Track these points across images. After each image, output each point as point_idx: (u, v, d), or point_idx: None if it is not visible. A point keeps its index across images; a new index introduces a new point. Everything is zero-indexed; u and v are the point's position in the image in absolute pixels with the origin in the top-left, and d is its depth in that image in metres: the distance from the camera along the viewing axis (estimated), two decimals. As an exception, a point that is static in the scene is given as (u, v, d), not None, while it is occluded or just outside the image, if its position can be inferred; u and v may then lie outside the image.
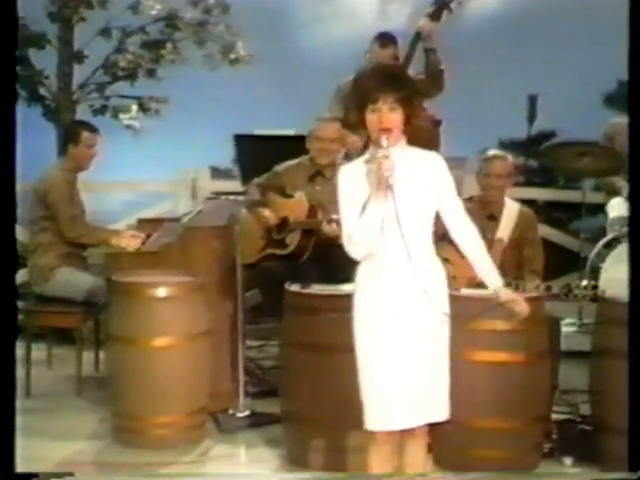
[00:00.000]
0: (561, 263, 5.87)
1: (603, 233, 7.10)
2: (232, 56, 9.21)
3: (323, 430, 4.65)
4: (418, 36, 6.20)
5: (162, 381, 5.07)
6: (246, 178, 6.44)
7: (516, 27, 9.01)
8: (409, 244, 3.63)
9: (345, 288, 4.52)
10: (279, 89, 8.83)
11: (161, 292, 5.09)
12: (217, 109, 8.63)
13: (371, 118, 3.62)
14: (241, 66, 9.10)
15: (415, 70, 6.25)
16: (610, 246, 6.55)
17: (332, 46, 9.52)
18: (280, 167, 6.14)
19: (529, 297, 4.80)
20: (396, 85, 3.62)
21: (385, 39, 6.51)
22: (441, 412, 3.74)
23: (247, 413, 5.48)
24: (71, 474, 4.08)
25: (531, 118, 10.49)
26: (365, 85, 3.66)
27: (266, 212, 6.05)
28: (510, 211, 5.76)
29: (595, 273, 6.24)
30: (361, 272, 3.74)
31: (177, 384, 5.11)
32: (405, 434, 3.76)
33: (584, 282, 5.08)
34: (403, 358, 3.64)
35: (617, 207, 7.05)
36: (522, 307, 3.87)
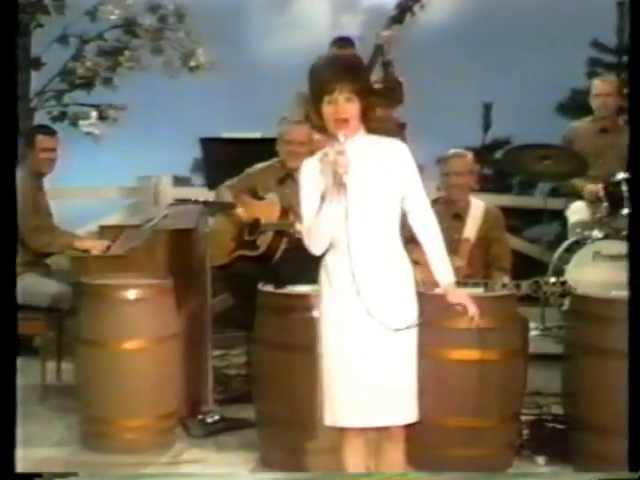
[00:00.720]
0: (520, 270, 5.86)
1: (560, 239, 7.14)
2: (192, 63, 9.13)
3: (299, 432, 4.59)
4: (379, 48, 6.20)
5: (132, 384, 4.99)
6: (212, 182, 6.39)
7: (470, 36, 9.04)
8: (355, 246, 3.55)
9: (313, 288, 4.46)
10: (238, 96, 8.80)
11: (131, 294, 5.01)
12: (177, 116, 8.56)
13: (327, 109, 3.55)
14: (201, 73, 9.02)
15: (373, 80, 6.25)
16: (571, 250, 6.59)
17: (288, 54, 9.54)
18: (251, 169, 6.13)
19: (501, 295, 4.84)
20: (352, 75, 3.56)
21: (343, 42, 6.55)
22: (407, 414, 3.65)
23: (217, 418, 5.39)
24: (75, 474, 4.08)
25: (486, 126, 10.54)
26: (321, 76, 3.58)
27: (238, 213, 6.02)
28: (476, 210, 5.78)
29: (558, 276, 6.24)
30: (322, 268, 3.71)
31: (147, 387, 5.03)
32: (382, 435, 3.71)
33: (552, 279, 5.08)
34: (364, 357, 3.58)
35: (578, 211, 7.12)
36: (471, 308, 3.72)
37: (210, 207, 5.62)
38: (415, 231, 3.68)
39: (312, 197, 3.60)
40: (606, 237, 6.50)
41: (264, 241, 5.89)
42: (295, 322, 4.57)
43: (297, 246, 5.69)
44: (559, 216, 7.42)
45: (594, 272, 6.28)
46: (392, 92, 6.15)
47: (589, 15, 9.73)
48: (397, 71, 6.20)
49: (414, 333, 3.65)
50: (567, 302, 5.94)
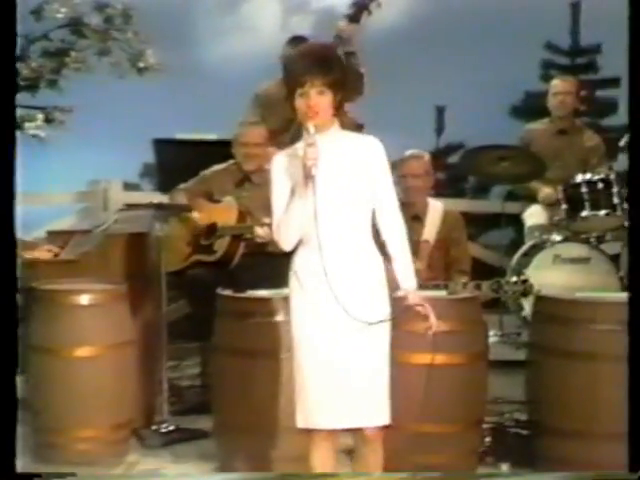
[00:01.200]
0: (478, 277, 5.88)
1: (516, 244, 7.14)
2: (141, 64, 9.03)
3: (261, 439, 4.55)
4: (338, 39, 6.17)
5: (85, 393, 4.91)
6: (166, 185, 6.32)
7: (422, 40, 9.08)
8: (325, 242, 3.51)
9: (280, 292, 4.42)
10: (189, 98, 8.75)
11: (84, 299, 4.94)
12: (126, 119, 8.48)
13: (299, 102, 3.51)
14: (150, 75, 8.93)
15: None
16: (529, 254, 6.59)
17: (239, 56, 9.55)
18: (207, 172, 6.07)
19: (464, 297, 4.83)
20: (325, 67, 3.51)
21: (298, 42, 6.50)
22: (381, 416, 3.63)
23: (172, 428, 5.32)
24: (73, 474, 4.08)
25: (439, 130, 10.58)
26: (293, 68, 3.55)
27: (193, 217, 5.97)
28: (434, 212, 5.79)
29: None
30: (291, 267, 3.67)
31: (100, 396, 4.95)
32: (358, 440, 3.68)
33: (513, 278, 5.09)
34: (335, 358, 3.55)
35: (535, 214, 7.14)
36: (432, 318, 3.67)
37: (164, 211, 5.56)
38: (381, 231, 3.65)
39: (282, 192, 3.56)
40: (565, 240, 6.53)
41: (221, 246, 5.83)
42: (256, 327, 4.53)
43: (256, 251, 5.68)
44: (515, 221, 7.43)
45: (554, 275, 6.31)
46: (353, 84, 6.11)
47: (542, 17, 9.81)
48: (359, 62, 6.17)
49: (387, 333, 3.63)
50: (527, 305, 5.99)
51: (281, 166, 3.61)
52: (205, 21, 10.06)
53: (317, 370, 3.56)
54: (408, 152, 5.87)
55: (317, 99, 3.49)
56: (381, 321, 3.56)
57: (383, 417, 3.62)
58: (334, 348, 3.55)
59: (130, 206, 5.91)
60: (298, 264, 3.64)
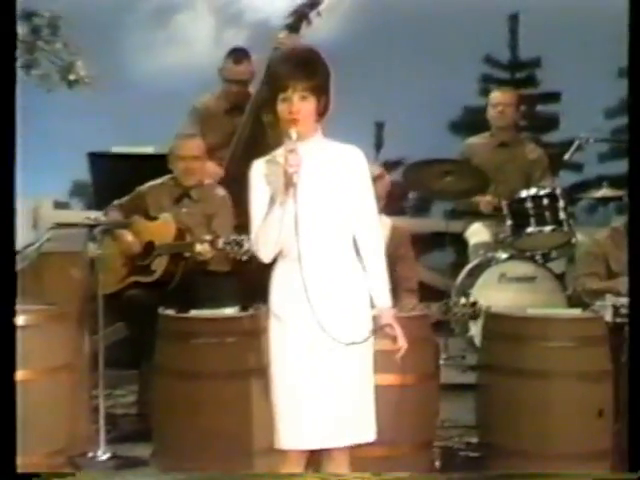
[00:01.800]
0: (420, 299, 5.89)
1: (459, 264, 7.13)
2: (71, 77, 8.91)
3: (208, 463, 4.48)
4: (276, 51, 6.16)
5: (19, 418, 4.77)
6: (100, 200, 6.22)
7: (361, 54, 9.11)
8: (306, 254, 3.47)
9: (225, 312, 4.39)
10: (120, 112, 8.67)
11: (19, 320, 4.81)
12: (56, 134, 8.36)
13: (281, 108, 3.49)
14: (81, 88, 8.82)
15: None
16: (473, 274, 6.56)
17: (171, 70, 9.46)
18: (143, 187, 5.97)
19: (415, 315, 4.83)
20: (308, 72, 3.50)
21: (238, 54, 6.51)
22: (366, 434, 3.60)
23: (108, 456, 5.24)
24: (72, 474, 4.12)
25: (378, 146, 10.61)
26: (275, 72, 3.53)
27: (128, 236, 5.83)
28: (382, 227, 5.73)
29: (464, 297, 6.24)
30: (272, 279, 3.61)
31: (35, 422, 4.83)
32: (323, 458, 3.64)
33: (462, 300, 5.09)
34: (317, 377, 3.52)
35: (478, 232, 7.07)
36: (401, 340, 3.63)
37: (98, 229, 5.47)
38: (359, 245, 3.62)
39: (261, 200, 3.51)
40: (511, 258, 6.52)
41: (159, 265, 5.74)
42: (202, 348, 4.49)
43: (197, 270, 5.61)
44: (456, 240, 7.40)
45: (500, 295, 6.28)
46: None
47: (480, 30, 9.87)
48: None
49: (370, 348, 3.59)
50: (473, 327, 5.99)
51: (259, 173, 3.56)
52: (137, 33, 10.03)
53: (299, 389, 3.51)
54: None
55: (300, 105, 3.47)
56: (354, 343, 3.51)
57: (370, 434, 3.61)
58: (315, 367, 3.51)
59: (62, 225, 5.83)
60: (277, 277, 3.59)
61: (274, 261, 3.60)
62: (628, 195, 6.02)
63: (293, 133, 3.45)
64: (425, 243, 8.27)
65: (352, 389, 3.54)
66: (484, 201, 6.87)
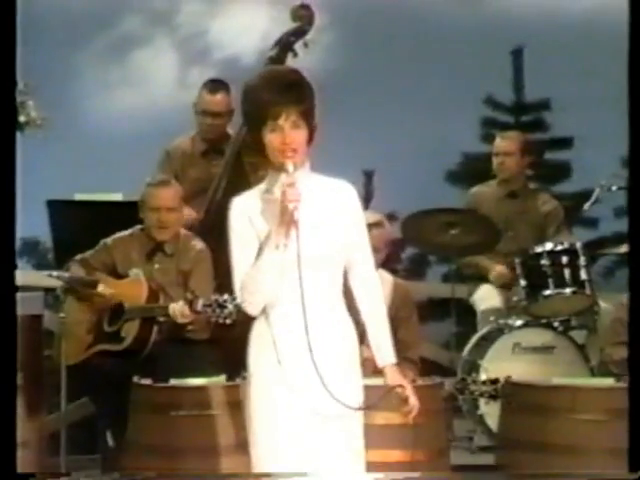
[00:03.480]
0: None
1: (464, 334, 7.10)
2: (22, 118, 8.93)
3: None
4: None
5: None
6: (61, 254, 6.22)
7: (348, 92, 9.18)
8: (309, 298, 3.48)
9: (209, 380, 4.41)
10: (73, 158, 8.71)
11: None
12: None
13: (272, 138, 3.50)
14: (32, 130, 8.85)
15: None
16: (484, 343, 6.53)
17: (127, 112, 9.51)
18: (109, 240, 5.95)
19: (427, 385, 4.86)
20: (298, 95, 3.52)
21: (215, 84, 6.59)
22: None
23: None
24: (68, 474, 4.28)
25: (367, 197, 10.65)
26: (260, 98, 3.52)
27: (93, 298, 5.81)
28: (384, 285, 5.72)
29: (470, 372, 6.23)
30: (253, 337, 3.60)
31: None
32: None
33: (482, 376, 5.09)
34: (310, 448, 3.52)
35: (487, 297, 6.94)
36: (412, 399, 3.64)
37: (58, 289, 5.49)
38: (355, 294, 3.63)
39: (247, 243, 3.52)
40: (526, 325, 6.50)
41: (129, 331, 5.71)
42: (183, 421, 4.49)
43: (173, 336, 5.60)
44: (460, 306, 7.32)
45: (515, 367, 6.12)
46: None
47: (480, 67, 9.97)
48: None
49: (361, 419, 3.60)
50: (483, 405, 5.95)
51: (243, 212, 3.56)
52: (90, 71, 10.05)
53: (283, 460, 3.51)
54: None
55: (293, 134, 3.50)
56: (366, 408, 3.55)
57: None
58: (302, 440, 3.51)
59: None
60: (261, 332, 3.57)
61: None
62: (628, 196, 6.01)
63: (290, 165, 3.47)
64: (421, 310, 8.25)
65: (347, 466, 3.55)
66: (496, 273, 6.87)
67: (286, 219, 3.43)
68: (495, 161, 7.14)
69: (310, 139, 3.56)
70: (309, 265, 3.49)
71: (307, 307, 3.48)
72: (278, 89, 3.51)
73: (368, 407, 3.57)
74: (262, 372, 3.56)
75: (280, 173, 3.51)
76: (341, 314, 3.61)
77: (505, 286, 6.88)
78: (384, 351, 3.63)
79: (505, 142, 7.23)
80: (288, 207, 3.42)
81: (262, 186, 3.60)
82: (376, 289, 3.68)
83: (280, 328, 3.53)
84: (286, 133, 3.49)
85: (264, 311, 3.55)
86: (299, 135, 3.51)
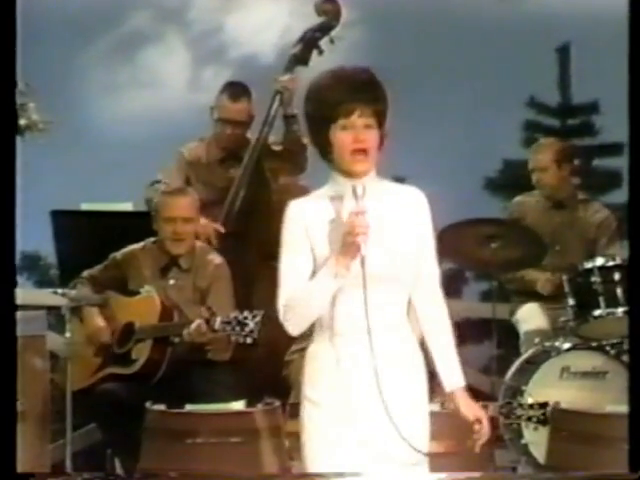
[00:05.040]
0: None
1: (501, 358, 7.09)
2: (22, 121, 8.97)
3: None
4: (279, 96, 6.27)
5: None
6: (66, 270, 6.25)
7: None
8: (375, 321, 3.49)
9: (231, 406, 4.43)
10: (78, 164, 8.76)
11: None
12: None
13: (341, 137, 3.51)
14: (34, 134, 8.89)
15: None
16: (528, 368, 6.47)
17: (137, 115, 9.55)
18: (119, 254, 5.99)
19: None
20: (373, 94, 3.54)
21: (236, 90, 6.56)
22: None
23: None
24: (68, 474, 4.35)
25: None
26: (331, 95, 3.55)
27: (98, 320, 5.84)
28: None
29: (514, 397, 6.21)
30: (311, 358, 3.61)
31: None
32: None
33: (529, 399, 5.07)
34: None
35: (531, 317, 6.89)
36: (485, 426, 3.68)
37: (64, 308, 5.52)
38: (418, 311, 3.63)
39: (300, 255, 3.53)
40: (575, 348, 6.47)
41: (141, 353, 5.76)
42: (200, 449, 4.51)
43: (189, 358, 5.62)
44: (501, 326, 7.29)
45: (563, 394, 6.07)
46: (294, 156, 6.13)
47: (523, 66, 9.95)
48: (302, 130, 6.22)
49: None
50: (528, 433, 5.93)
51: (298, 218, 3.57)
52: (96, 71, 10.07)
53: None
54: None
55: (365, 133, 3.50)
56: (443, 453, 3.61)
57: None
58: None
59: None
60: (319, 356, 3.58)
61: (288, 340, 3.64)
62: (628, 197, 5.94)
63: (359, 187, 3.47)
64: (458, 332, 8.23)
65: None
66: (542, 279, 6.84)
67: (350, 249, 3.44)
68: (533, 178, 7.12)
69: (381, 144, 3.58)
70: (375, 285, 3.50)
71: (373, 331, 3.48)
72: (352, 87, 3.55)
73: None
74: (323, 398, 3.56)
75: (347, 179, 3.52)
76: (407, 336, 3.62)
77: (554, 296, 6.82)
78: (453, 374, 3.65)
79: (538, 156, 7.18)
80: (354, 238, 3.43)
81: (323, 191, 3.62)
82: (442, 305, 3.69)
83: (344, 352, 3.53)
84: (359, 131, 3.50)
85: (324, 331, 3.57)
86: (372, 136, 3.53)
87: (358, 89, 3.53)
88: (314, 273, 3.51)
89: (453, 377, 3.65)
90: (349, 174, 3.52)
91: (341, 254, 3.45)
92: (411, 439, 3.49)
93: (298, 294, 3.50)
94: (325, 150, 3.57)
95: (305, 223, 3.55)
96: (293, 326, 3.54)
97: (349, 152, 3.51)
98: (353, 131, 3.50)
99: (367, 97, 3.52)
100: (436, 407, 4.92)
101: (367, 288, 3.46)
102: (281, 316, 3.55)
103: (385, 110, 3.58)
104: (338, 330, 3.54)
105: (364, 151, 3.51)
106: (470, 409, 3.67)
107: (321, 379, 3.57)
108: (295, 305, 3.51)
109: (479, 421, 3.66)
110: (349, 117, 3.50)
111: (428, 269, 3.65)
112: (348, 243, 3.44)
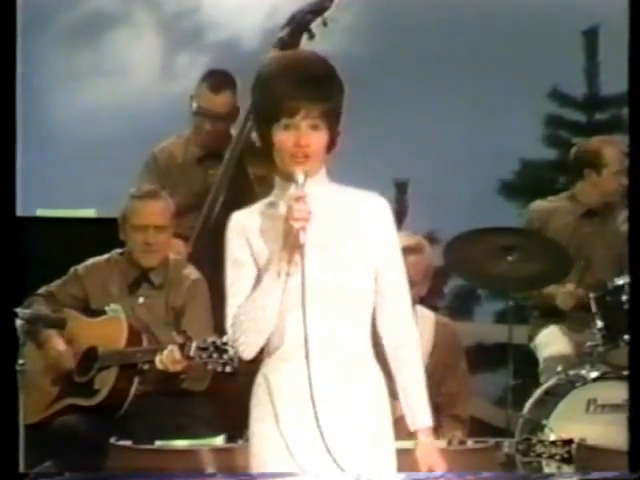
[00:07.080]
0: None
1: (518, 388, 7.10)
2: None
3: None
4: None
5: None
6: (20, 291, 6.26)
7: (377, 84, 9.21)
8: (319, 339, 3.51)
9: (202, 442, 4.43)
10: (35, 164, 8.78)
11: None
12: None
13: (283, 137, 3.53)
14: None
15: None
16: (549, 399, 6.49)
17: (99, 109, 9.55)
18: (81, 268, 5.99)
19: (478, 447, 4.87)
20: (323, 91, 3.56)
21: (218, 79, 6.58)
22: None
23: None
24: (61, 474, 4.57)
25: (399, 214, 10.64)
26: (276, 89, 3.56)
27: (58, 343, 5.84)
28: (424, 325, 5.69)
29: (533, 433, 6.22)
30: (256, 384, 3.64)
31: None
32: None
33: (551, 435, 5.09)
34: None
35: (553, 341, 6.94)
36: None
37: (18, 330, 5.53)
38: (384, 339, 3.64)
39: (245, 269, 3.56)
40: (603, 377, 6.52)
41: (105, 382, 5.77)
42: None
43: (159, 388, 5.64)
44: (518, 351, 7.27)
45: (589, 429, 6.16)
46: None
47: (544, 53, 9.95)
48: None
49: None
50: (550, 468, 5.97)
51: (242, 229, 3.60)
52: (53, 57, 9.98)
53: None
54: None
55: (310, 135, 3.52)
56: None
57: None
58: None
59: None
60: (264, 381, 3.61)
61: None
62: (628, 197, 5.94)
63: (300, 176, 3.50)
64: (469, 358, 8.26)
65: None
66: (563, 292, 6.88)
67: (290, 241, 3.46)
68: (585, 174, 7.15)
69: (330, 146, 3.60)
70: (320, 299, 3.52)
71: (314, 351, 3.49)
72: (299, 80, 3.55)
73: None
74: (260, 431, 3.62)
75: (289, 183, 3.54)
76: (369, 362, 3.62)
77: (579, 318, 6.87)
78: (419, 414, 3.65)
79: (609, 150, 7.24)
80: (293, 227, 3.44)
81: (268, 200, 3.64)
82: (410, 331, 3.68)
83: (279, 378, 3.57)
84: (302, 133, 3.52)
85: (267, 353, 3.58)
86: (317, 138, 3.55)
87: (306, 83, 3.54)
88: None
89: (418, 415, 3.65)
90: (289, 178, 3.53)
91: (281, 249, 3.46)
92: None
93: (243, 308, 3.52)
94: (267, 150, 3.59)
95: (246, 235, 3.58)
96: (244, 347, 3.55)
97: (289, 155, 3.53)
98: (295, 133, 3.52)
99: (316, 95, 3.54)
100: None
101: (306, 305, 3.46)
102: (230, 337, 3.59)
103: (337, 110, 3.60)
104: (282, 355, 3.56)
105: (306, 156, 3.52)
106: (426, 456, 3.66)
107: (261, 411, 3.62)
108: (242, 321, 3.53)
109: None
110: (292, 117, 3.52)
111: (391, 285, 3.65)
112: (287, 233, 3.45)
